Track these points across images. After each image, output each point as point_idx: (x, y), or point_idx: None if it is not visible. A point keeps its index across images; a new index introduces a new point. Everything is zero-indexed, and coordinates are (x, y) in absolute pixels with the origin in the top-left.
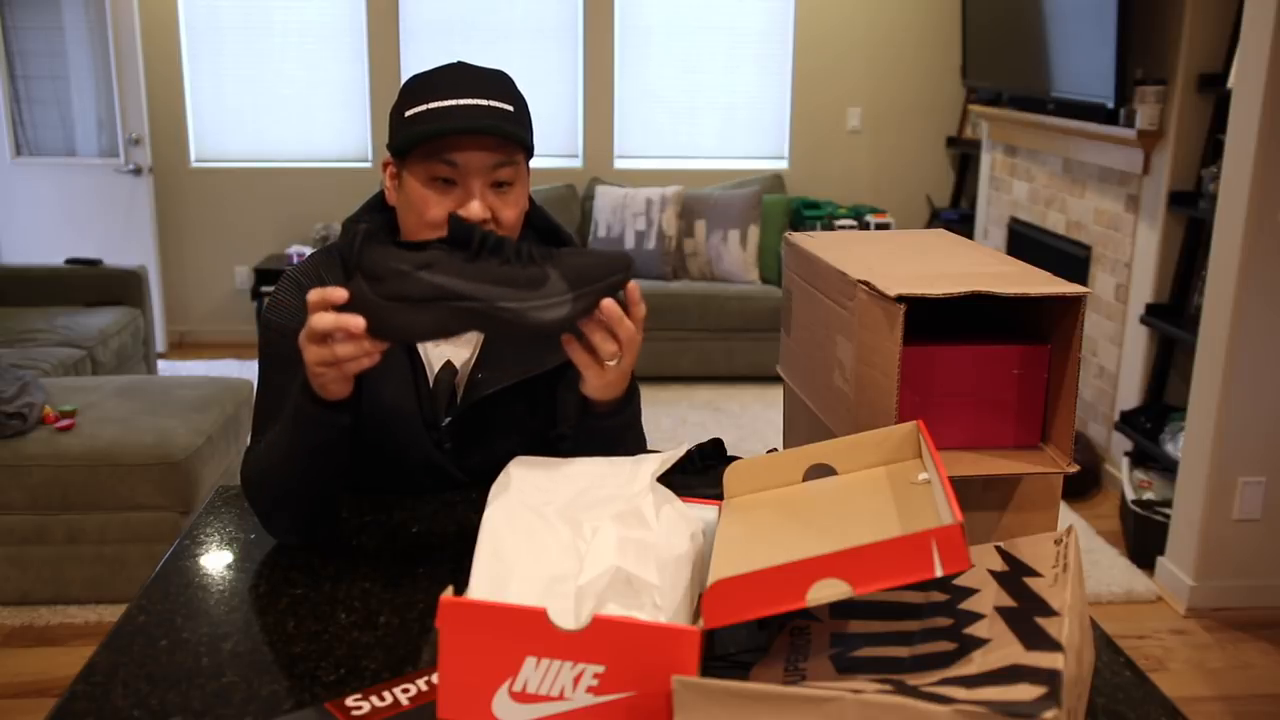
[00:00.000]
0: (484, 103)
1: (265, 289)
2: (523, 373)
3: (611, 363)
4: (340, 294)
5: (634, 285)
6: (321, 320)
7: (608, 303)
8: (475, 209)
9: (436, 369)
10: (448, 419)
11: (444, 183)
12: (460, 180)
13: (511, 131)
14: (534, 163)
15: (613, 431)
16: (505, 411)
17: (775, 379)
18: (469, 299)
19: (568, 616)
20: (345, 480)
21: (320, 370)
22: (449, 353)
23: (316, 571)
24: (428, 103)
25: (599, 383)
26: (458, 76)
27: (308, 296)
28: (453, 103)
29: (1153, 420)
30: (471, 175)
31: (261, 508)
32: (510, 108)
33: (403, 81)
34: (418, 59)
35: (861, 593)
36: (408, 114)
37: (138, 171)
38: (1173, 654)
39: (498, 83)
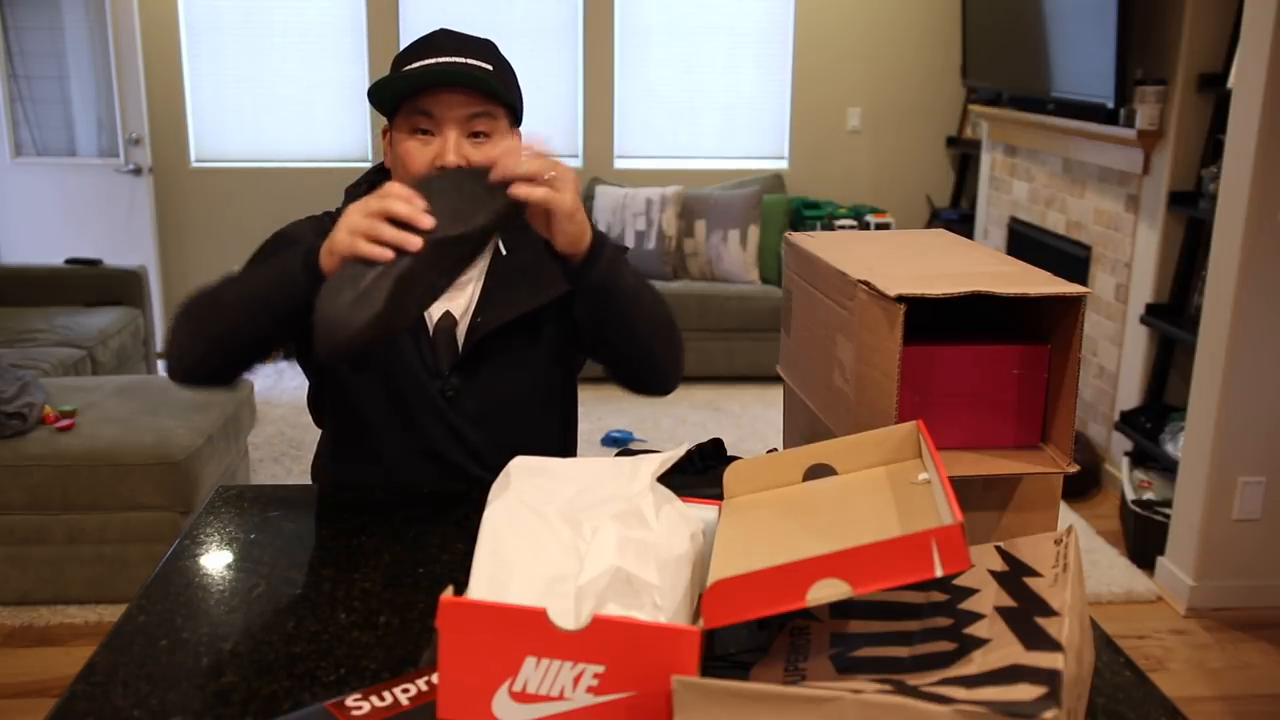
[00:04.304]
0: (460, 60)
1: None
2: (520, 310)
3: (548, 176)
4: (429, 221)
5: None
6: (399, 205)
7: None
8: (450, 157)
9: (435, 320)
10: (451, 369)
11: (424, 134)
12: (437, 130)
13: (482, 80)
14: None
15: (607, 282)
16: (506, 355)
17: (775, 379)
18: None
19: (568, 616)
20: (265, 353)
21: (351, 237)
22: (446, 303)
23: (316, 571)
24: (411, 64)
25: (562, 231)
26: (439, 39)
27: (391, 186)
28: (432, 61)
29: (1153, 420)
30: (447, 124)
31: (184, 330)
32: (489, 66)
33: None
34: None
35: (861, 593)
36: (393, 77)
37: (138, 171)
38: (1173, 654)
39: (479, 46)
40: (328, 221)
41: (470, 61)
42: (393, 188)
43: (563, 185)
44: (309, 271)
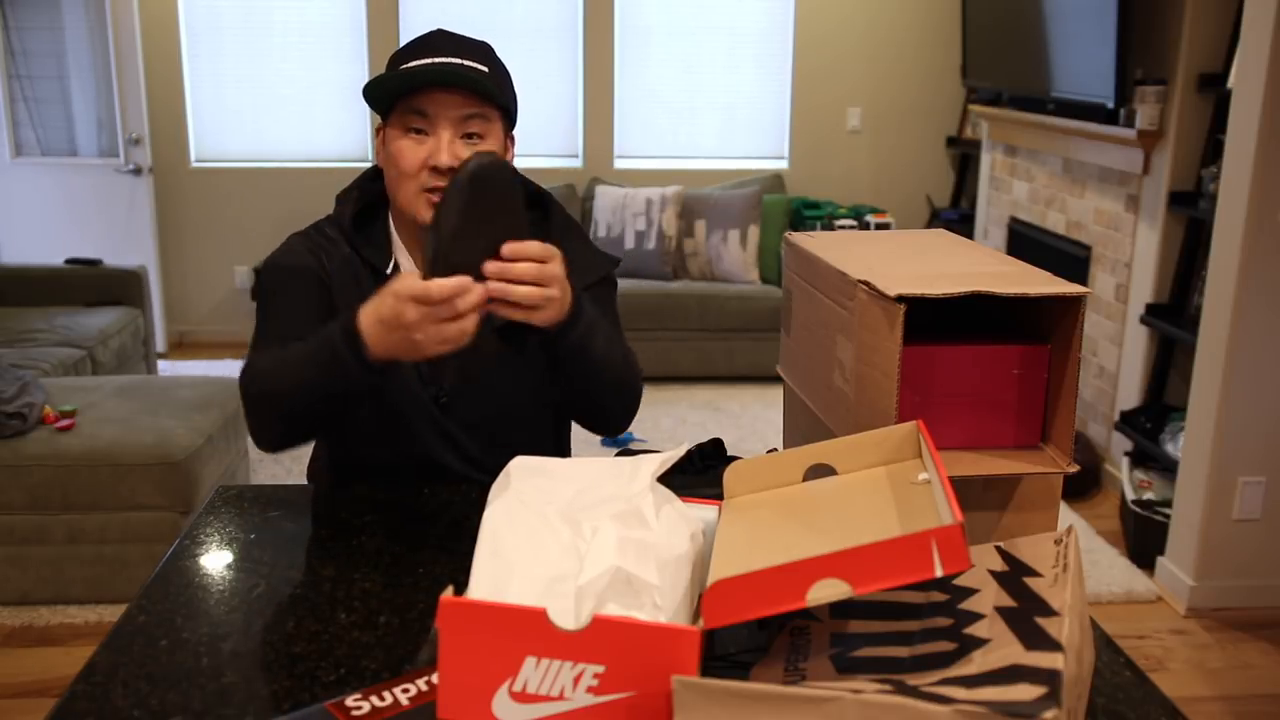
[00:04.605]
0: (456, 60)
1: None
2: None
3: (540, 302)
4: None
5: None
6: (467, 300)
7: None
8: (443, 157)
9: None
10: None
11: (417, 133)
12: (430, 130)
13: (478, 82)
14: (534, 162)
15: (579, 347)
16: (499, 360)
17: (775, 379)
18: None
19: (568, 616)
20: (343, 412)
21: (404, 339)
22: None
23: (316, 571)
24: (407, 63)
25: (544, 318)
26: (436, 39)
27: (437, 282)
28: (427, 61)
29: (1153, 420)
30: (440, 123)
31: (258, 418)
32: (484, 68)
33: None
34: None
35: (861, 593)
36: (389, 75)
37: (138, 171)
38: (1173, 654)
39: (475, 47)
40: (316, 236)
41: (466, 63)
42: (405, 301)
43: (546, 301)
44: (360, 361)
